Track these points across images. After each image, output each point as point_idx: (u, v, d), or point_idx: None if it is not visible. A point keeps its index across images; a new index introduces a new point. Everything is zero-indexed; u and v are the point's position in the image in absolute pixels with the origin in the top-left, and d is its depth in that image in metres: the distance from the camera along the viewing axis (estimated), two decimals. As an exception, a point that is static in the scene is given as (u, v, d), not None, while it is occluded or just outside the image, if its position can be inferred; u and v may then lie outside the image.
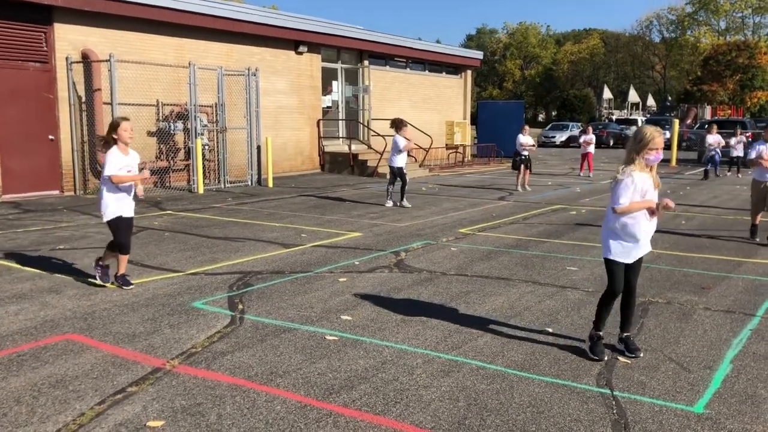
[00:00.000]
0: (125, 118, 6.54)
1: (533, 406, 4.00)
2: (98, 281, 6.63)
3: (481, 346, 5.04)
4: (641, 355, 4.80)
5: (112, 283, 6.64)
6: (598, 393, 4.21)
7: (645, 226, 4.69)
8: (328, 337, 5.19)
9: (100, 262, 6.67)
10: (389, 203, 12.88)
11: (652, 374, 4.50)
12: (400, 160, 12.71)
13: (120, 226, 6.50)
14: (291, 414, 3.87)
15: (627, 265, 4.78)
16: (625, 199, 4.58)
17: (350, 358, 4.75)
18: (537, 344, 5.09)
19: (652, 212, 4.66)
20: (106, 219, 6.51)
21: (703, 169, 20.33)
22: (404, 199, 12.81)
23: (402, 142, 12.67)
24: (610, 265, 4.80)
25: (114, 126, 6.44)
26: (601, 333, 4.87)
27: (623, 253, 4.74)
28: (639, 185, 4.58)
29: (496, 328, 5.48)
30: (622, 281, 4.78)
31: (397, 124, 12.84)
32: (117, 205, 6.47)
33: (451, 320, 5.67)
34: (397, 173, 12.77)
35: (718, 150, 19.95)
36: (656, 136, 4.58)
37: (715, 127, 20.95)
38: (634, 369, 4.61)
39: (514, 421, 3.81)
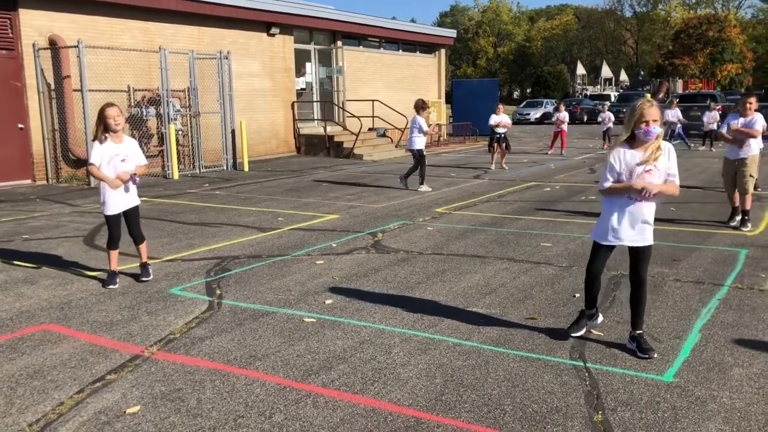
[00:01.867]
0: (111, 104, 6.09)
1: (508, 381, 4.09)
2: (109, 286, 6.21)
3: (457, 323, 5.12)
4: (655, 356, 4.40)
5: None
6: (571, 366, 4.31)
7: (630, 208, 4.38)
8: (307, 320, 5.24)
9: (111, 269, 6.33)
10: (425, 188, 12.36)
11: (623, 346, 4.61)
12: (420, 142, 12.38)
13: (113, 221, 6.21)
14: (270, 396, 3.91)
15: (630, 253, 4.50)
16: (605, 180, 4.41)
17: (328, 339, 4.81)
18: (512, 320, 5.18)
19: (643, 195, 4.31)
20: (104, 212, 6.28)
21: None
22: (424, 183, 12.46)
23: (425, 125, 12.55)
24: (593, 244, 4.65)
25: (99, 114, 6.03)
26: (585, 310, 4.78)
27: (602, 234, 4.51)
28: (625, 163, 4.33)
29: (471, 305, 5.56)
30: (599, 262, 4.59)
31: (420, 106, 12.44)
32: (111, 200, 6.14)
33: (427, 299, 5.74)
34: (418, 155, 12.39)
35: (678, 124, 19.82)
36: (646, 107, 4.21)
37: (674, 101, 21.06)
38: (606, 341, 4.71)
39: (489, 396, 3.89)
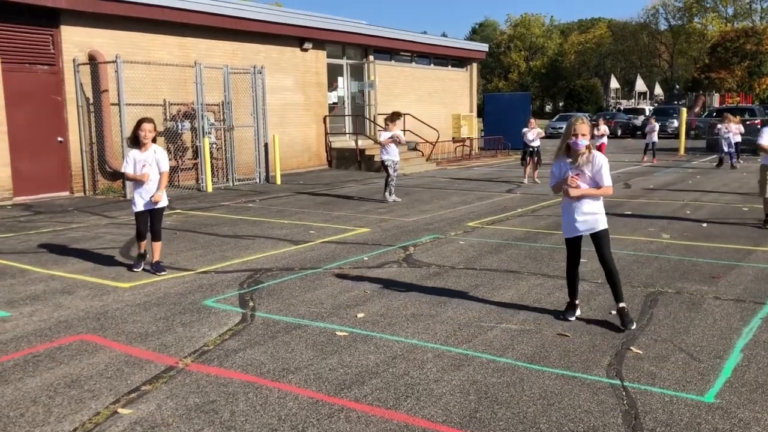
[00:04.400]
0: (147, 119, 7.11)
1: (544, 399, 4.02)
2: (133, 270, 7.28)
3: (490, 339, 5.06)
4: (632, 327, 5.21)
5: (144, 269, 7.32)
6: (608, 384, 4.22)
7: (574, 204, 5.30)
8: (339, 333, 5.23)
9: (139, 252, 7.44)
10: (393, 198, 12.93)
11: (662, 364, 4.51)
12: (393, 153, 12.76)
13: (140, 218, 7.23)
14: (303, 410, 3.90)
15: (592, 241, 5.33)
16: (551, 182, 5.44)
17: (361, 354, 4.79)
18: (547, 337, 5.11)
19: (569, 195, 5.28)
20: (133, 210, 7.34)
21: (718, 156, 19.60)
22: (392, 194, 12.94)
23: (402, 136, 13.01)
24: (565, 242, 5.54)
25: (136, 125, 7.10)
26: (570, 300, 5.59)
27: (565, 229, 5.47)
28: (561, 169, 5.33)
29: (505, 321, 5.50)
30: (573, 255, 5.48)
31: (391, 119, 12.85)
32: (137, 200, 7.19)
33: (460, 314, 5.70)
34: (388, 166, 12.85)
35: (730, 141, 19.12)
36: (578, 123, 5.16)
37: (738, 119, 20.12)
38: (644, 359, 4.62)
39: (524, 414, 3.83)
